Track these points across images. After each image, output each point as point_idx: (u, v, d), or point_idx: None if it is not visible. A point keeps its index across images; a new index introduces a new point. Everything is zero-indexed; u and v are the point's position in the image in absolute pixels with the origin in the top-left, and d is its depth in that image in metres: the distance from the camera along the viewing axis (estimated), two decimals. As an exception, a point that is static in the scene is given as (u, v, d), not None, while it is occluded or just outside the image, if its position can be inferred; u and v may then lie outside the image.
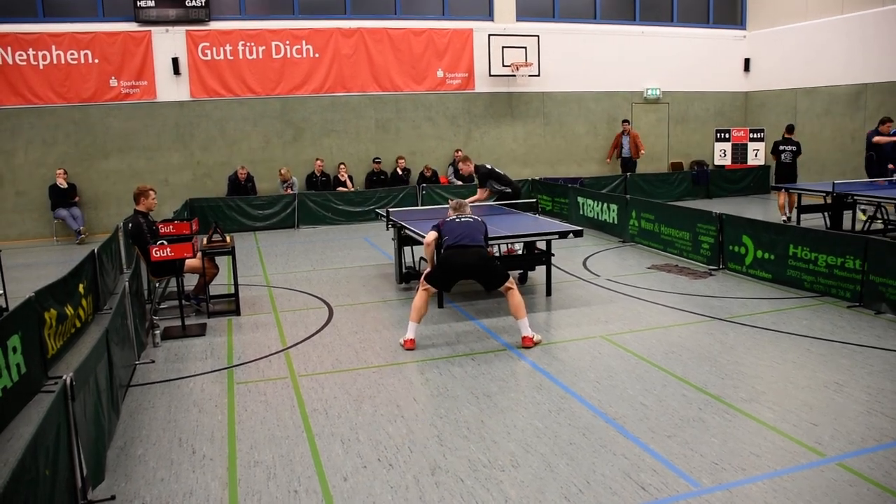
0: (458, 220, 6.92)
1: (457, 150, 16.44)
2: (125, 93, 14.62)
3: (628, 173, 16.98)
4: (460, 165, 10.56)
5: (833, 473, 4.08)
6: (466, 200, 7.72)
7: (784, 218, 13.19)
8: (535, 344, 6.59)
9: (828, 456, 4.28)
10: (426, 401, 5.38)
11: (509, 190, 10.27)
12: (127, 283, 6.28)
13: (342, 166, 15.79)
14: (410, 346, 6.61)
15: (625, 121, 17.62)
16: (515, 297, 6.63)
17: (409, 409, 5.21)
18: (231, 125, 15.38)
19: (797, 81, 17.46)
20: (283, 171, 15.23)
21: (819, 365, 5.88)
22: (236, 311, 7.99)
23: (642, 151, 17.41)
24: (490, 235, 7.98)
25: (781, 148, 13.97)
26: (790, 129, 14.29)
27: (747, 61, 19.05)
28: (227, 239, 8.26)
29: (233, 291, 8.20)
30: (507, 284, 6.69)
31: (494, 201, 10.31)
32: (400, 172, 16.20)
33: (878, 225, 11.56)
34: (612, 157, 17.92)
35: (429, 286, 6.74)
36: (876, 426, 4.67)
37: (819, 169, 16.88)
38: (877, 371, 5.67)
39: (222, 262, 8.95)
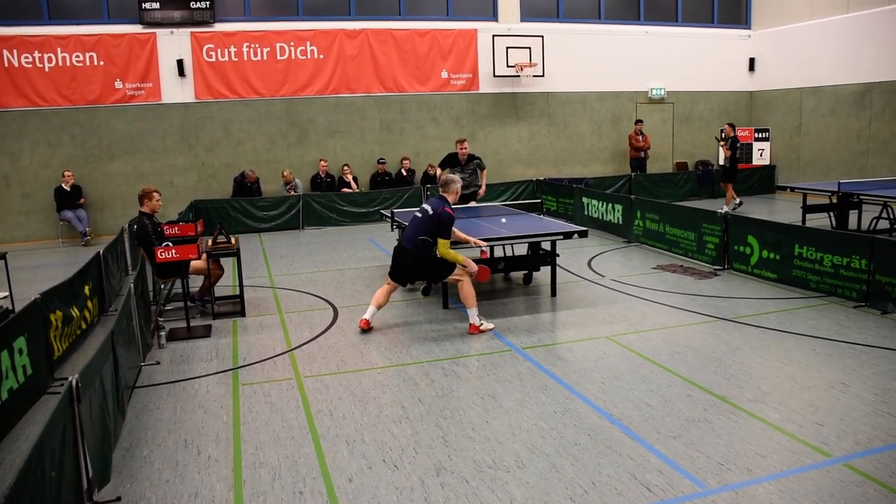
0: (417, 212, 7.20)
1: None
2: (130, 95, 14.66)
3: (633, 173, 16.96)
4: (466, 146, 10.89)
5: (839, 474, 4.06)
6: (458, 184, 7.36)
7: (729, 208, 14.17)
8: (481, 331, 6.99)
9: (834, 456, 4.27)
10: (431, 402, 5.37)
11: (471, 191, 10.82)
12: (132, 285, 6.29)
13: (346, 167, 15.81)
14: (364, 325, 7.21)
15: (639, 120, 17.55)
16: (463, 287, 6.99)
17: (413, 411, 5.21)
18: (236, 126, 15.41)
19: (802, 81, 17.40)
20: (285, 174, 15.25)
21: (825, 365, 5.86)
22: (241, 313, 8.01)
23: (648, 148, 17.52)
24: (495, 237, 8.01)
25: (739, 144, 14.63)
26: (734, 127, 14.95)
27: (752, 61, 19.00)
28: (232, 240, 8.28)
29: (238, 293, 8.22)
30: (455, 276, 7.02)
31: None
32: (405, 173, 16.22)
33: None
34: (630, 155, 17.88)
35: (389, 278, 7.30)
36: (882, 426, 4.65)
37: (824, 168, 16.84)
38: (883, 371, 5.65)
39: (227, 263, 8.97)
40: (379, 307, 7.26)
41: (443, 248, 6.91)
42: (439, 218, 6.85)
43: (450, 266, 7.02)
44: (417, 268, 7.11)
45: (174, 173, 15.16)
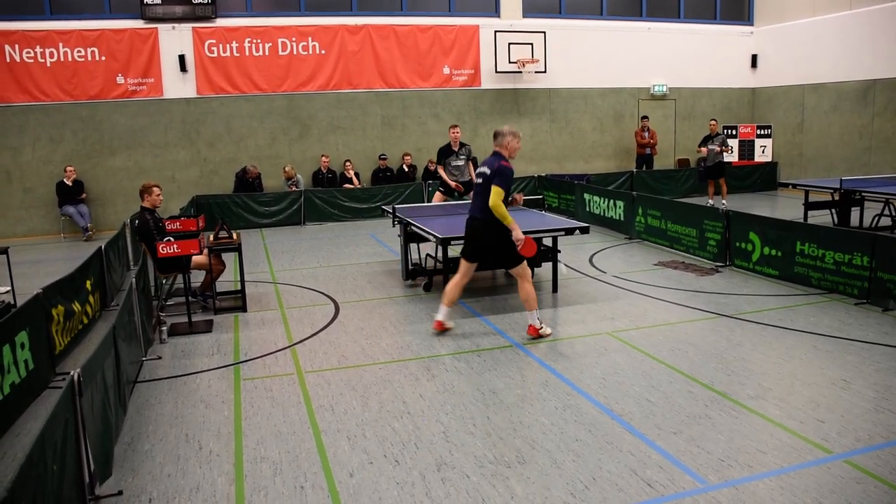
0: (478, 179, 6.55)
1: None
2: (132, 90, 14.66)
3: (634, 170, 16.97)
4: (459, 131, 11.34)
5: (840, 470, 4.06)
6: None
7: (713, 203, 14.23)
8: (539, 336, 6.63)
9: (834, 453, 4.27)
10: (432, 397, 5.38)
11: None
12: (134, 280, 6.30)
13: (348, 163, 15.80)
14: (438, 327, 6.86)
15: (644, 117, 17.55)
16: (524, 287, 6.57)
17: (415, 406, 5.21)
18: (237, 122, 15.40)
19: (805, 77, 17.38)
20: (287, 169, 15.26)
21: (826, 362, 5.86)
22: (243, 308, 8.01)
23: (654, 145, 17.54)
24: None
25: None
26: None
27: (754, 57, 18.97)
28: (234, 236, 8.28)
29: (239, 288, 8.22)
30: (519, 270, 6.59)
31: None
32: (406, 169, 16.21)
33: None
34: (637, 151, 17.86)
35: (462, 259, 6.71)
36: (883, 423, 4.65)
37: (827, 165, 16.82)
38: (884, 368, 5.65)
39: (229, 258, 8.98)
40: (451, 304, 6.82)
41: (495, 196, 6.23)
42: (497, 170, 6.31)
43: (519, 256, 6.45)
44: (489, 239, 6.46)
45: (176, 168, 15.17)
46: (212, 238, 8.17)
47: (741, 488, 3.91)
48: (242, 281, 8.14)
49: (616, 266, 9.77)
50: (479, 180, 6.50)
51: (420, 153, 16.48)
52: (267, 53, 15.31)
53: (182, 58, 14.78)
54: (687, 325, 6.98)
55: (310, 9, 15.64)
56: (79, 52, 14.23)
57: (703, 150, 14.74)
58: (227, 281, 9.23)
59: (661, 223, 10.88)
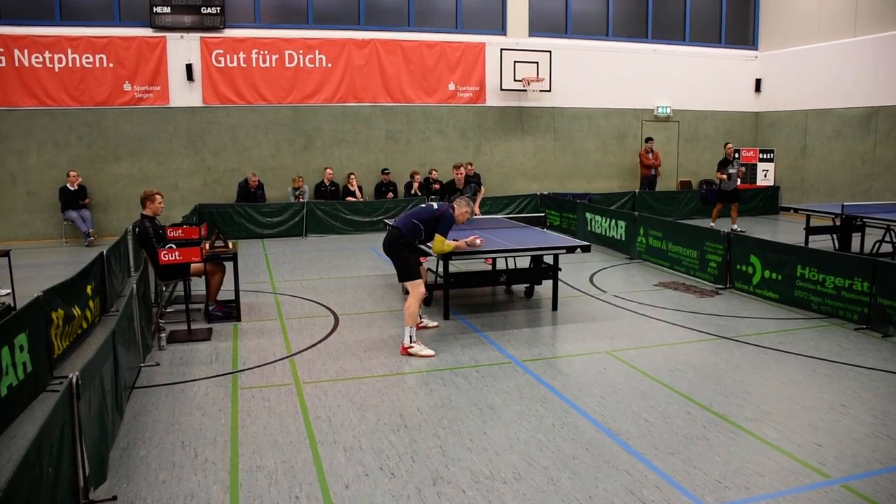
0: (422, 205, 7.29)
1: (469, 164, 16.19)
2: (138, 97, 14.73)
3: (638, 190, 17.01)
4: (463, 171, 10.43)
5: (837, 495, 4.05)
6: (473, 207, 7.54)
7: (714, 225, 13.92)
8: (410, 354, 6.66)
9: (832, 477, 4.26)
10: (429, 411, 5.37)
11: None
12: (134, 286, 6.30)
13: (352, 176, 15.84)
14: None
15: (649, 138, 17.59)
16: (410, 305, 6.72)
17: (412, 419, 5.20)
18: (242, 132, 15.46)
19: (808, 103, 17.46)
20: (295, 179, 15.30)
21: (825, 386, 5.85)
22: (237, 317, 7.98)
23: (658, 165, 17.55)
24: (497, 248, 8.00)
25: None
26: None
27: (758, 81, 19.07)
28: (230, 245, 8.27)
29: (234, 297, 8.17)
30: (411, 286, 6.80)
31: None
32: (415, 186, 15.97)
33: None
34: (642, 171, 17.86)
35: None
36: (881, 448, 4.64)
37: (829, 191, 16.86)
38: (882, 394, 5.64)
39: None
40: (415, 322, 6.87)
41: (437, 244, 6.93)
42: (441, 213, 6.92)
43: (413, 272, 6.85)
44: (394, 250, 6.88)
45: (179, 176, 15.20)
46: (207, 246, 8.10)
47: (738, 510, 3.90)
48: (237, 290, 8.13)
49: (616, 285, 9.77)
50: (423, 206, 7.23)
51: (423, 168, 16.49)
52: (274, 65, 15.39)
53: (189, 67, 14.86)
54: (686, 346, 6.97)
55: (317, 22, 15.76)
56: (87, 58, 14.31)
57: (724, 175, 14.37)
58: (225, 290, 9.20)
59: (663, 244, 10.89)
